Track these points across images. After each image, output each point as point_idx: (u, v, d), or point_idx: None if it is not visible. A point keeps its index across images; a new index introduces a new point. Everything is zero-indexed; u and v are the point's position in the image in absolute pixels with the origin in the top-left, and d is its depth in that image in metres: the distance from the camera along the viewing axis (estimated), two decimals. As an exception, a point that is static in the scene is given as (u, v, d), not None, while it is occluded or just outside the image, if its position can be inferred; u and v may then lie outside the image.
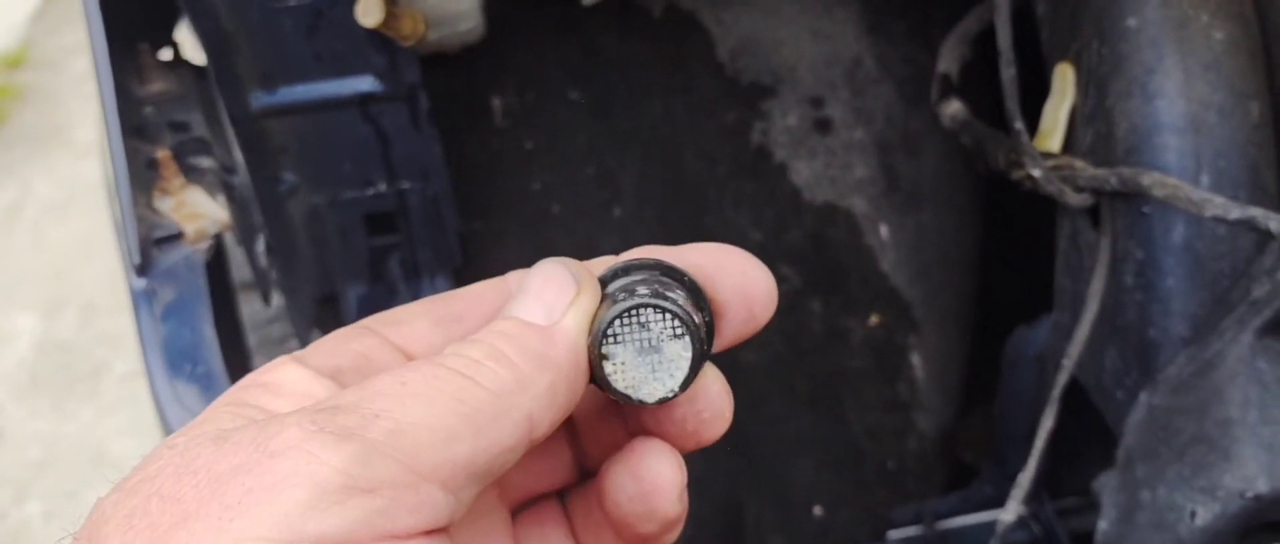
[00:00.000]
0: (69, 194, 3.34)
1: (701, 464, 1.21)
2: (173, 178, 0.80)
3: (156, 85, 0.90)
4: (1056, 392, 0.91)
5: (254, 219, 0.93)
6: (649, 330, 0.46)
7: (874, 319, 1.20)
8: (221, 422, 0.43)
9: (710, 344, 0.48)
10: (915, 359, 1.22)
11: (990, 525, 1.15)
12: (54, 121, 3.60)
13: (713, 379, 0.48)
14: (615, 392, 0.46)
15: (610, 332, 0.46)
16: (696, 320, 0.47)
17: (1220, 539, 0.77)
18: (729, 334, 0.50)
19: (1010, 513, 0.93)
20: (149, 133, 0.87)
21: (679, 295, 0.47)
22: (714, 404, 0.48)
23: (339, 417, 0.40)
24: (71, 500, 2.51)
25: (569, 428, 0.52)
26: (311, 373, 0.45)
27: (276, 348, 1.41)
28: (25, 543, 2.45)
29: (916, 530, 1.17)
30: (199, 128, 0.90)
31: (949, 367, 1.24)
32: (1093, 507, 1.15)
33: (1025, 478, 0.92)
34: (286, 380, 0.45)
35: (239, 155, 0.93)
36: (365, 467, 0.39)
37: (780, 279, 1.17)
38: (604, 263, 0.50)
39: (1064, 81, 0.93)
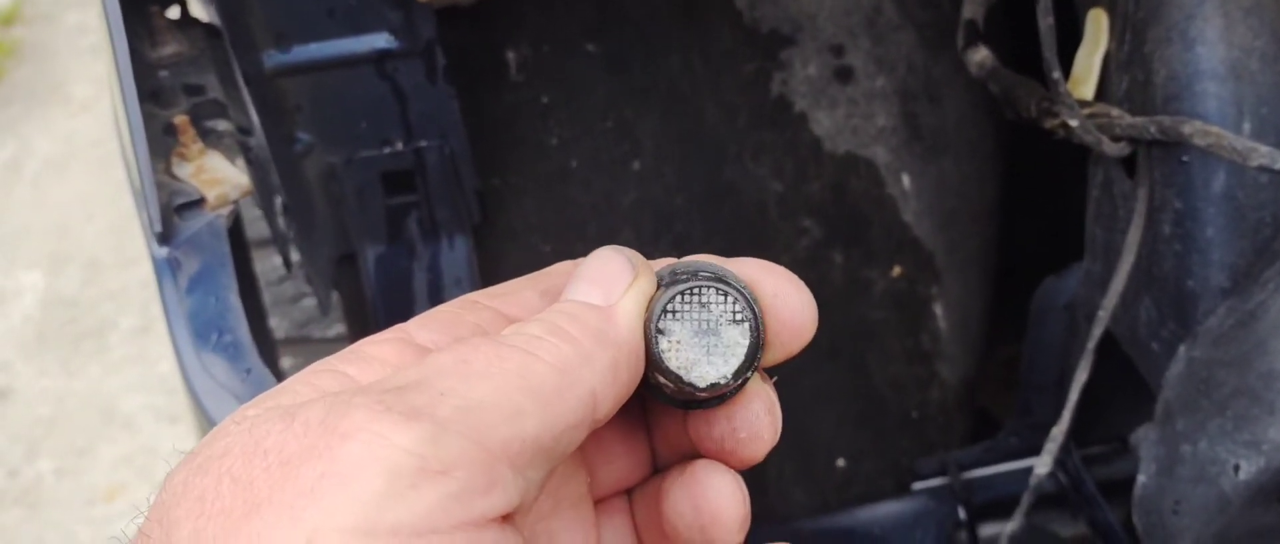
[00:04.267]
0: (68, 150, 3.32)
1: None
2: (191, 143, 0.78)
3: (169, 48, 0.88)
4: (1091, 344, 0.90)
5: (272, 180, 0.91)
6: (709, 311, 0.45)
7: (896, 270, 1.19)
8: (295, 393, 0.42)
9: (765, 344, 0.46)
10: (937, 309, 1.21)
11: (1016, 475, 1.14)
12: (50, 77, 3.56)
13: (755, 396, 0.47)
14: (667, 371, 0.45)
15: (670, 307, 0.45)
16: (757, 310, 0.45)
17: (1264, 493, 0.76)
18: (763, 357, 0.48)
19: (1043, 466, 0.92)
20: (164, 97, 0.85)
21: (741, 288, 0.46)
22: (752, 423, 0.47)
23: (407, 395, 0.39)
24: (82, 457, 2.51)
25: (647, 423, 0.51)
26: (414, 350, 0.44)
27: (289, 306, 1.39)
28: (37, 500, 2.45)
29: (941, 481, 1.17)
30: (214, 90, 0.88)
31: (971, 316, 1.23)
32: (1120, 454, 1.15)
33: (1059, 431, 0.91)
34: (386, 355, 0.44)
35: (255, 116, 0.91)
36: (436, 446, 0.38)
37: (801, 231, 1.16)
38: (661, 264, 0.49)
39: (1098, 27, 0.91)
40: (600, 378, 0.43)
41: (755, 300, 0.46)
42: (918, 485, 1.17)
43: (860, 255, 1.18)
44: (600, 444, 0.51)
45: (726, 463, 0.48)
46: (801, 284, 0.48)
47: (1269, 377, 0.76)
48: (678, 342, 0.45)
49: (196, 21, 0.99)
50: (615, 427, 0.51)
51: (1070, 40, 0.95)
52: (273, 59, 0.92)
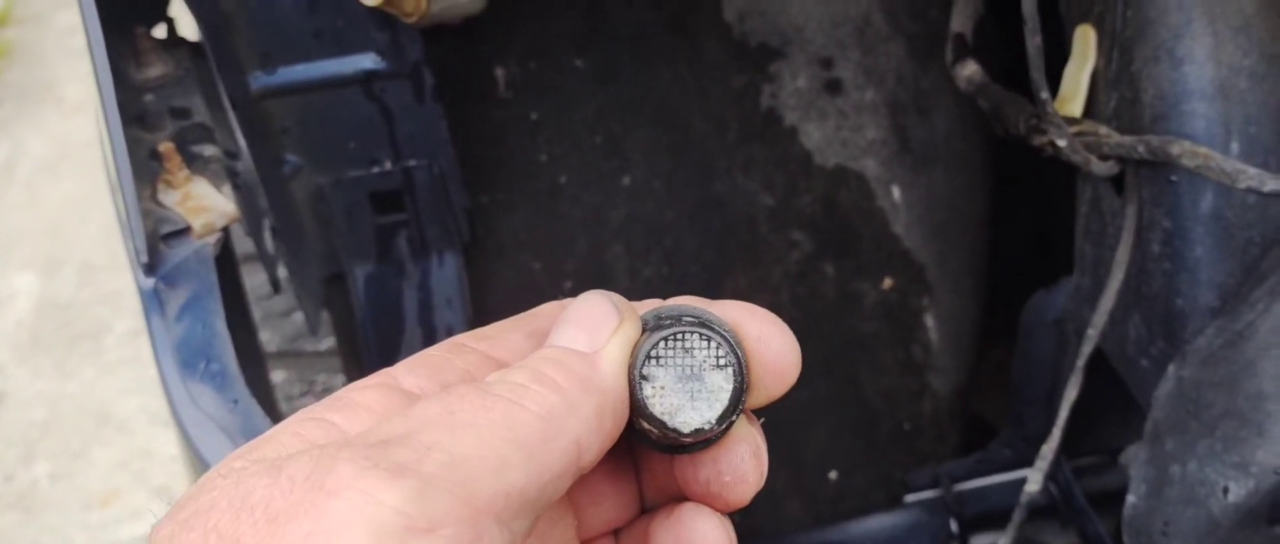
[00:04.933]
0: (61, 151, 3.31)
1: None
2: (177, 171, 0.77)
3: (155, 69, 0.88)
4: (1081, 361, 0.90)
5: (260, 203, 0.91)
6: (692, 356, 0.45)
7: (887, 282, 1.18)
8: (282, 444, 0.42)
9: (749, 388, 0.47)
10: (929, 320, 1.21)
11: (1007, 486, 1.15)
12: (42, 78, 3.55)
13: (741, 440, 0.47)
14: (651, 418, 0.45)
15: (654, 353, 0.45)
16: (740, 355, 0.45)
17: (1254, 515, 0.76)
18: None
19: (1034, 483, 0.92)
20: (150, 121, 0.85)
21: (724, 333, 0.46)
22: (737, 468, 0.47)
23: (392, 450, 0.39)
24: (77, 460, 2.51)
25: (634, 466, 0.52)
26: (400, 397, 0.44)
27: (280, 320, 1.39)
28: (33, 504, 2.45)
29: (933, 494, 1.17)
30: (200, 113, 0.87)
31: (962, 327, 1.23)
32: (1110, 466, 1.15)
33: (1049, 449, 0.91)
34: (372, 402, 0.44)
35: (241, 139, 0.91)
36: (423, 504, 0.38)
37: (792, 244, 1.15)
38: (646, 307, 0.49)
39: (1085, 44, 0.90)
40: (585, 426, 0.43)
41: (739, 344, 0.46)
42: (910, 498, 1.17)
43: (851, 268, 1.18)
44: (588, 487, 0.51)
45: (712, 505, 0.49)
46: (784, 326, 0.48)
47: (1258, 398, 0.76)
48: (662, 387, 0.45)
49: (183, 41, 0.99)
50: (602, 469, 0.51)
51: (1059, 55, 0.95)
52: (259, 81, 0.92)
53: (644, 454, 0.51)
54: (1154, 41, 0.82)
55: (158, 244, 0.76)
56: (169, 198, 0.78)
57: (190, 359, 0.74)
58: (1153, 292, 0.86)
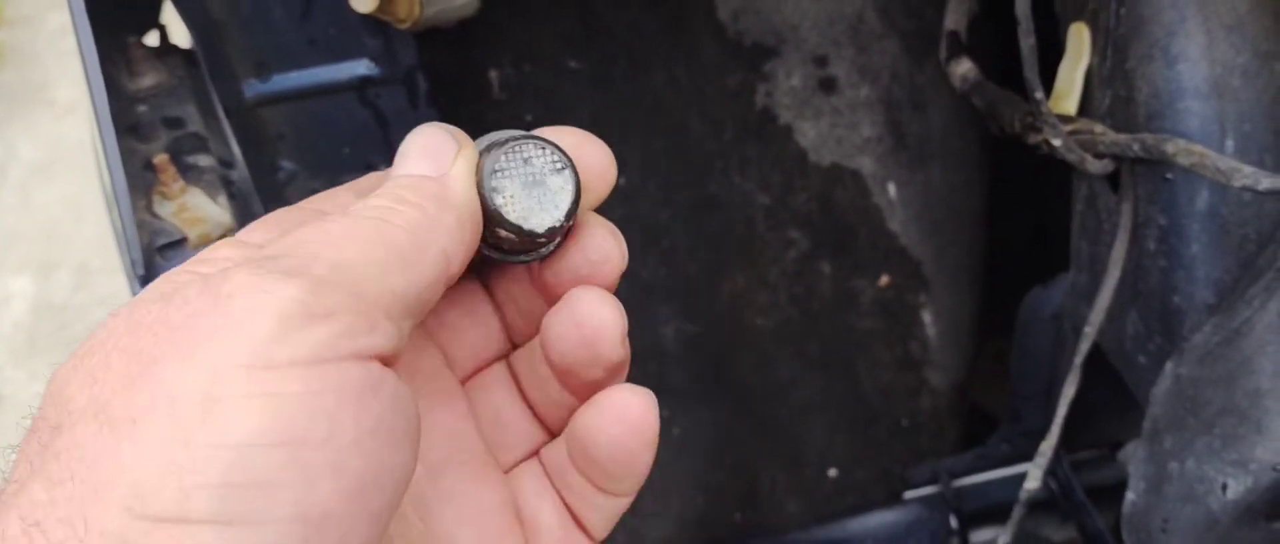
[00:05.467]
0: (54, 154, 3.30)
1: (713, 430, 1.20)
2: (172, 182, 0.77)
3: (148, 79, 0.88)
4: (1079, 359, 0.90)
5: (256, 211, 0.91)
6: (531, 166, 0.50)
7: (884, 279, 1.19)
8: (162, 287, 0.44)
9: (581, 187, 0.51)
10: (926, 317, 1.21)
11: (1007, 482, 1.15)
12: (33, 79, 3.53)
13: (596, 225, 0.52)
14: (508, 225, 0.49)
15: (497, 166, 0.49)
16: (571, 157, 0.50)
17: (1253, 512, 0.76)
18: None
19: (1033, 481, 0.92)
20: (143, 132, 0.85)
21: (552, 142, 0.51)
22: (601, 245, 0.52)
23: (281, 261, 0.42)
24: (75, 464, 2.51)
25: (492, 299, 0.55)
26: (252, 250, 0.46)
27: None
28: (31, 508, 2.45)
29: (933, 490, 1.17)
30: (194, 123, 0.87)
31: (960, 323, 1.23)
32: (1109, 460, 1.15)
33: (1048, 446, 0.91)
34: (234, 256, 0.46)
35: (235, 147, 0.91)
36: (317, 296, 0.41)
37: (788, 243, 1.15)
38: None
39: (1080, 41, 0.90)
40: (449, 237, 0.47)
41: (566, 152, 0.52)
42: (909, 494, 1.17)
43: (848, 265, 1.18)
44: (442, 321, 0.55)
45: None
46: (597, 139, 0.54)
47: (1255, 395, 0.76)
48: (511, 197, 0.49)
49: (176, 49, 0.99)
50: (451, 302, 0.55)
51: (1055, 51, 0.95)
52: (253, 89, 0.92)
53: (502, 285, 0.55)
54: (1148, 39, 0.82)
55: (154, 256, 0.76)
56: (164, 209, 0.78)
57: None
58: (1149, 288, 0.86)
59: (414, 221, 0.46)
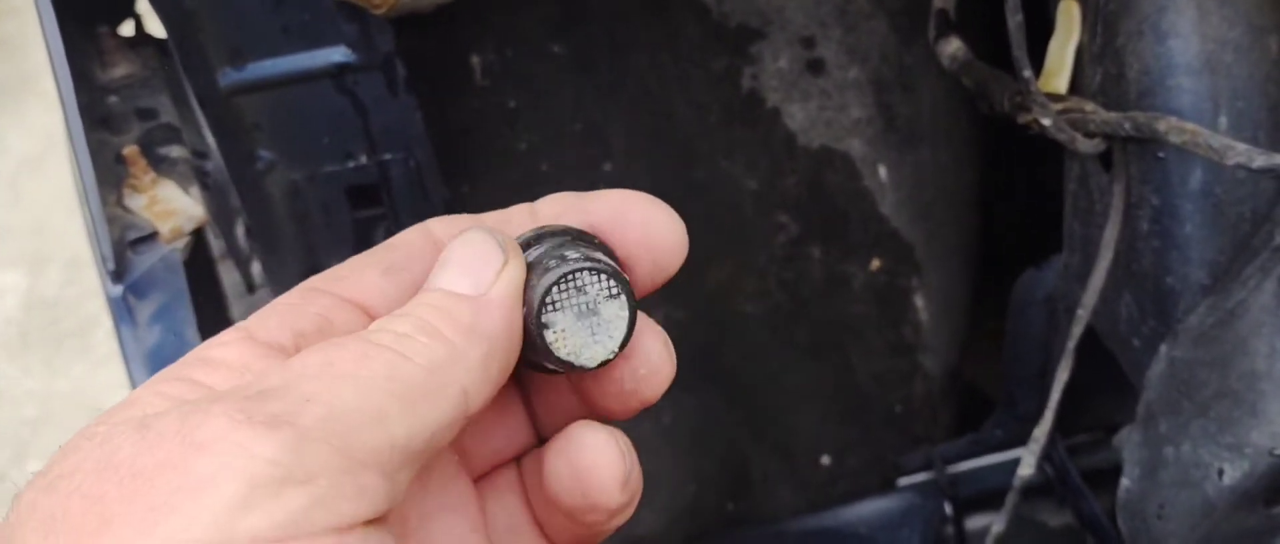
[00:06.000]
0: (45, 146, 3.28)
1: (702, 418, 1.19)
2: (143, 174, 0.76)
3: (120, 69, 0.86)
4: (1072, 343, 0.88)
5: (231, 203, 0.89)
6: (586, 294, 0.46)
7: (875, 263, 1.17)
8: (147, 405, 0.41)
9: (637, 305, 0.48)
10: (919, 301, 1.19)
11: (1001, 467, 1.13)
12: (22, 71, 3.51)
13: (649, 335, 0.48)
14: (558, 361, 0.46)
15: (549, 299, 0.45)
16: (626, 278, 0.47)
17: (1249, 497, 0.75)
18: (640, 288, 0.50)
19: (1027, 467, 0.91)
20: (115, 123, 0.83)
21: (603, 254, 0.47)
22: (651, 360, 0.48)
23: (268, 403, 0.38)
24: (70, 458, 2.50)
25: (522, 392, 0.51)
26: (260, 349, 0.43)
27: (265, 316, 1.38)
28: (26, 503, 2.44)
29: (927, 476, 1.16)
30: (167, 113, 0.85)
31: (953, 306, 1.21)
32: (1104, 444, 1.14)
33: (1041, 432, 0.90)
34: (231, 357, 0.43)
35: (211, 137, 0.89)
36: (298, 455, 0.37)
37: (777, 228, 1.14)
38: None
39: (1069, 18, 0.89)
40: (471, 376, 0.43)
41: (619, 263, 0.48)
42: (903, 481, 1.16)
43: (838, 250, 1.16)
44: (469, 425, 0.50)
45: (627, 405, 0.49)
46: (665, 205, 0.50)
47: (1251, 377, 0.75)
48: (563, 331, 0.46)
49: (151, 38, 0.97)
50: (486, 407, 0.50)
51: (1045, 29, 0.93)
52: (228, 77, 0.90)
53: (535, 381, 0.51)
54: (1138, 15, 0.80)
55: (124, 251, 0.74)
56: (135, 202, 0.76)
57: (161, 368, 0.72)
58: (1143, 270, 0.85)
59: (435, 358, 0.42)
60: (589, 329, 0.46)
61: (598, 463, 0.46)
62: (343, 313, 0.46)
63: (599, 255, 0.47)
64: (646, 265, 0.49)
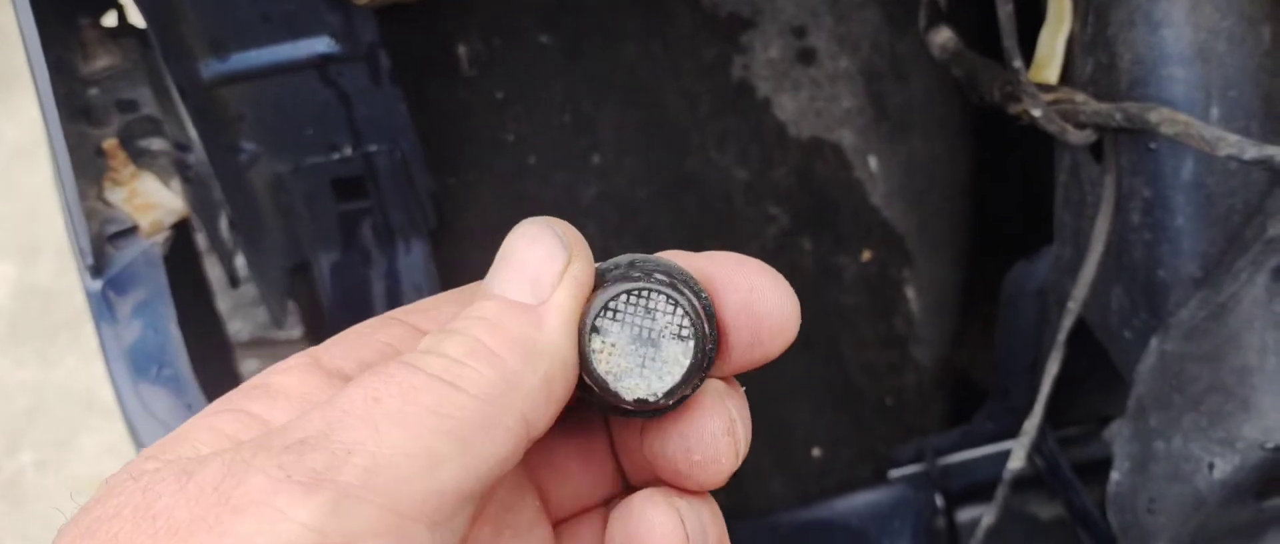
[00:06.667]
0: (37, 136, 3.26)
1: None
2: (123, 167, 0.75)
3: (101, 61, 0.85)
4: (1062, 335, 0.87)
5: (214, 196, 0.88)
6: (653, 319, 0.40)
7: (867, 254, 1.16)
8: (197, 441, 0.39)
9: (711, 364, 0.42)
10: (910, 292, 1.18)
11: (992, 459, 1.13)
12: (13, 60, 3.49)
13: (711, 416, 0.42)
14: (593, 376, 0.40)
15: (612, 305, 0.40)
16: (706, 330, 0.41)
17: (1240, 491, 0.74)
18: (732, 360, 0.43)
19: (1017, 460, 0.90)
20: (95, 115, 0.82)
21: (695, 296, 0.41)
22: (707, 446, 0.42)
23: (307, 455, 0.36)
24: (63, 448, 2.49)
25: (608, 432, 0.47)
26: (324, 377, 0.41)
27: (252, 308, 1.37)
28: (19, 494, 2.43)
29: (918, 468, 1.15)
30: (148, 105, 0.84)
31: (945, 297, 1.20)
32: (1095, 436, 1.13)
33: (1031, 424, 0.89)
34: (292, 386, 0.41)
35: (192, 129, 0.88)
36: (340, 518, 0.34)
37: (768, 219, 1.13)
38: (623, 257, 0.44)
39: (1060, 7, 0.88)
40: (531, 400, 0.39)
41: (711, 317, 0.41)
42: (895, 473, 1.16)
43: (829, 241, 1.15)
44: (550, 463, 0.46)
45: (682, 486, 0.44)
46: (780, 278, 0.44)
47: (1242, 372, 0.74)
48: (612, 345, 0.40)
49: (133, 29, 0.96)
50: (568, 442, 0.46)
51: (1037, 18, 0.92)
52: (210, 68, 0.89)
53: (618, 425, 0.47)
54: (1130, 4, 0.79)
55: (103, 245, 0.73)
56: (115, 196, 0.75)
57: (142, 364, 0.72)
58: (1134, 262, 0.84)
59: (490, 385, 0.38)
60: (640, 358, 0.40)
61: (656, 535, 0.42)
62: (412, 343, 0.42)
63: (687, 293, 0.41)
64: (745, 336, 0.43)
